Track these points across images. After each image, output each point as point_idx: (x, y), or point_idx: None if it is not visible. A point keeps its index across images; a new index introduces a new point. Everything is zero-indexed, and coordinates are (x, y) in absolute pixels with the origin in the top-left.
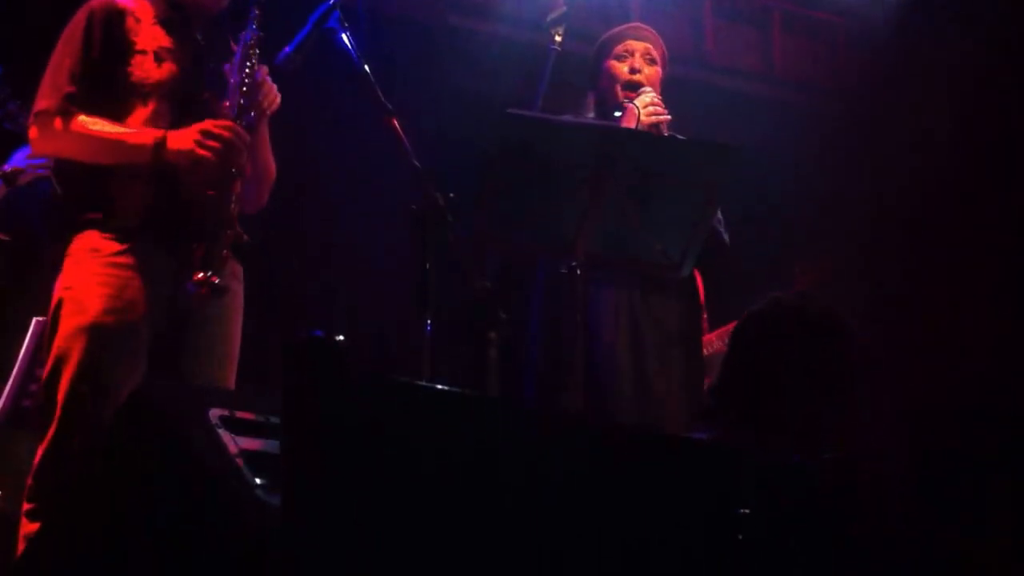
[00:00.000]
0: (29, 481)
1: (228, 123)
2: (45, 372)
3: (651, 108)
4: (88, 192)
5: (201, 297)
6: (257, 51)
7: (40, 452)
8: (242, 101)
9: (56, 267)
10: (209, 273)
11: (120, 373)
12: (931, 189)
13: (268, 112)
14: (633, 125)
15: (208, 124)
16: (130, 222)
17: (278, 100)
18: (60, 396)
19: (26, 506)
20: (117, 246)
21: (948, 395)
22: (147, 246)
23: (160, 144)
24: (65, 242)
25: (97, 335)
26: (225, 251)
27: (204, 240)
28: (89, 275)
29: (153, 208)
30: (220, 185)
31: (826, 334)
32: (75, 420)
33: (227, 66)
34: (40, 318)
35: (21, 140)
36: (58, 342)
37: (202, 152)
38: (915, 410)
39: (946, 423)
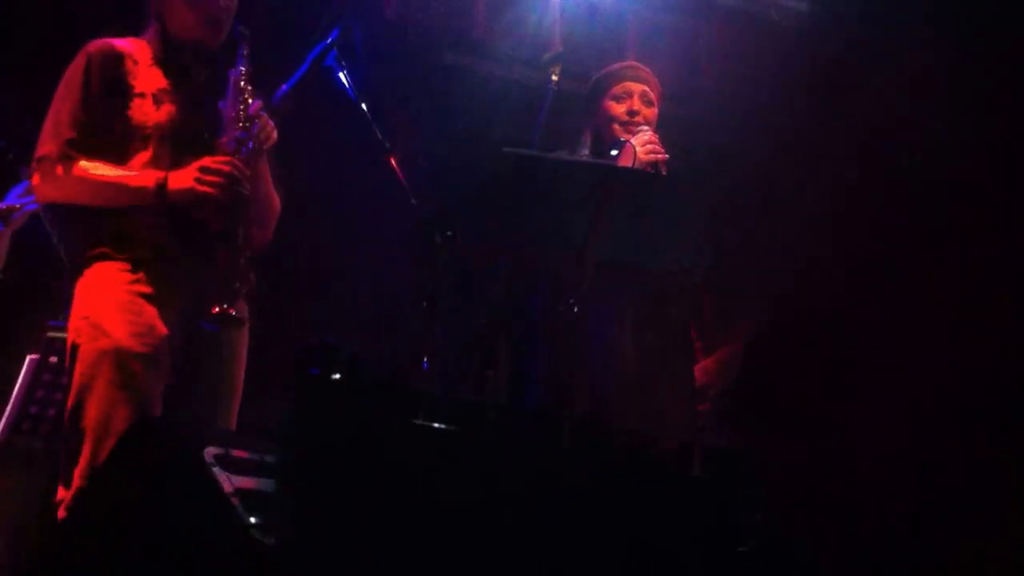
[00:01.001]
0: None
1: (226, 157)
2: (69, 403)
3: (649, 146)
4: (97, 227)
5: (217, 332)
6: (249, 86)
7: (74, 481)
8: (239, 134)
9: (67, 301)
10: (225, 306)
11: (148, 397)
12: (934, 191)
13: (265, 146)
14: (630, 163)
15: (207, 161)
16: (141, 253)
17: (275, 135)
18: (88, 423)
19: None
20: (130, 276)
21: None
22: (159, 277)
23: (162, 186)
24: (75, 276)
25: (121, 358)
26: (238, 283)
27: (217, 272)
28: (107, 302)
29: (162, 243)
30: (226, 218)
31: (831, 343)
32: (106, 446)
33: (222, 103)
34: (34, 355)
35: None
36: (80, 370)
37: (203, 188)
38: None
39: (947, 424)
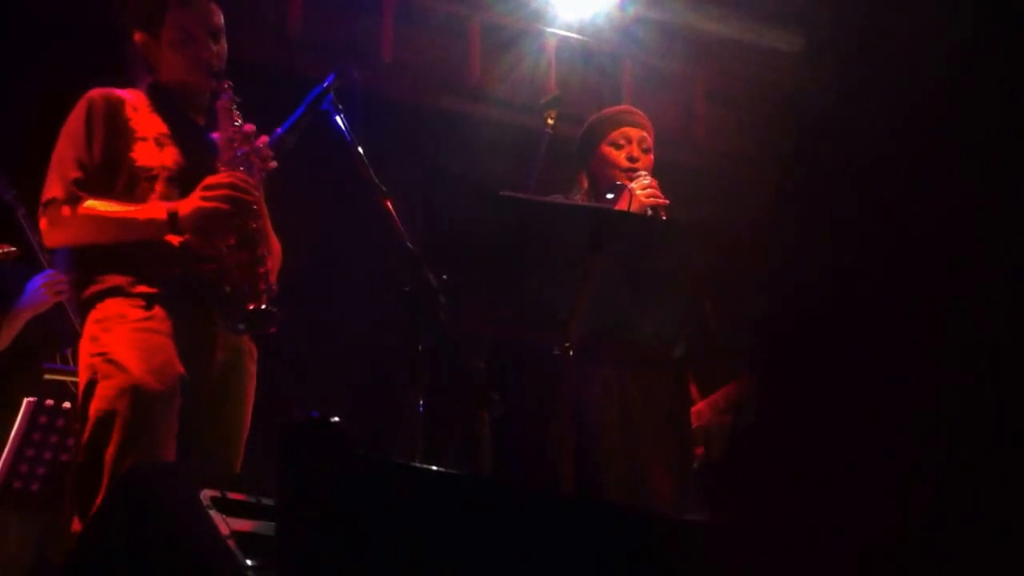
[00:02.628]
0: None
1: (225, 172)
2: (84, 439)
3: (649, 191)
4: (109, 262)
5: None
6: (238, 112)
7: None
8: (237, 152)
9: (62, 339)
10: (261, 305)
11: (164, 434)
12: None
13: (264, 165)
14: (627, 207)
15: (208, 179)
16: (155, 289)
17: (272, 163)
18: (108, 459)
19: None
20: (143, 312)
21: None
22: (172, 314)
23: (173, 215)
24: (86, 311)
25: (140, 395)
26: (264, 284)
27: (240, 281)
28: (121, 339)
29: (176, 279)
30: (239, 228)
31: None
32: None
33: (215, 135)
34: (31, 398)
35: None
36: (97, 406)
37: (210, 204)
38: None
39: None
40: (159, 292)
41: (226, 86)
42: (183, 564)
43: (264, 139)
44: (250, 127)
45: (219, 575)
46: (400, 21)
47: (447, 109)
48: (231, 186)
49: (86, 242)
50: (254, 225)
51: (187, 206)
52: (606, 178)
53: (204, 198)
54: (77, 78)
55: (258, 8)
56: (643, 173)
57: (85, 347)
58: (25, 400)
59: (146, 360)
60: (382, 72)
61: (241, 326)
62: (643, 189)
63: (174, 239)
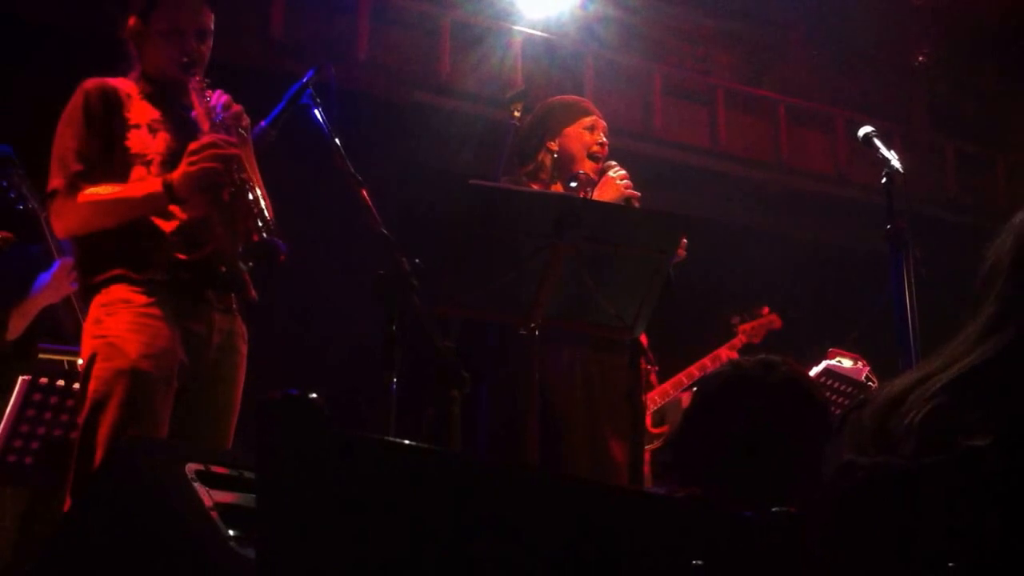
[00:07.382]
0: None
1: (206, 136)
2: (81, 418)
3: (627, 182)
4: (114, 249)
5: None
6: (207, 89)
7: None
8: (215, 120)
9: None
10: (264, 235)
11: (159, 417)
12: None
13: (238, 125)
14: (608, 196)
15: (190, 146)
16: (156, 276)
17: (246, 119)
18: (101, 438)
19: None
20: (146, 299)
21: None
22: (172, 300)
23: (168, 185)
24: (91, 296)
25: (137, 378)
26: (261, 220)
27: (229, 262)
28: (123, 323)
29: (177, 266)
30: (230, 181)
31: (787, 401)
32: None
33: (192, 113)
34: (26, 376)
35: None
36: (95, 387)
37: (196, 167)
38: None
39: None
40: (161, 279)
41: (191, 70)
42: (168, 534)
43: (226, 98)
44: (218, 93)
45: (202, 545)
46: (375, 20)
47: (419, 103)
48: (212, 145)
49: (93, 227)
50: (243, 175)
51: (178, 175)
52: (571, 158)
53: (190, 163)
54: (80, 79)
55: (241, 12)
56: (615, 164)
57: (89, 329)
58: (20, 378)
59: (146, 345)
60: (358, 68)
61: (249, 263)
62: (621, 180)
63: (170, 225)
